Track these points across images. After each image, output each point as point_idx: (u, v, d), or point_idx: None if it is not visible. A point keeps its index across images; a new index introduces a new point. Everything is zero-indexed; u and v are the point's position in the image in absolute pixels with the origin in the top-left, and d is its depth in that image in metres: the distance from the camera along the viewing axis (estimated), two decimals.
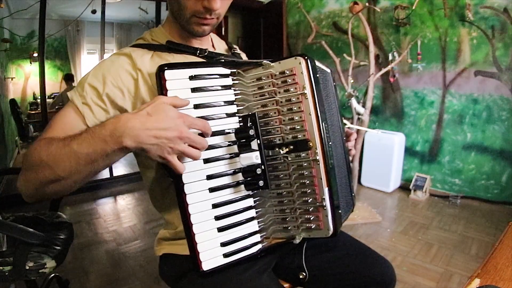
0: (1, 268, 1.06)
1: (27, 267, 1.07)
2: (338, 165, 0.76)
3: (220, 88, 0.69)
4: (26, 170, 0.58)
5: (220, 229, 0.67)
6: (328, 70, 0.85)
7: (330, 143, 0.69)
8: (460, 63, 2.70)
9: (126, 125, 0.52)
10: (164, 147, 0.54)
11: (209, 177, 0.65)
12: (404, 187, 3.07)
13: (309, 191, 0.69)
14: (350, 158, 0.91)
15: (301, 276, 0.80)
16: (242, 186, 0.69)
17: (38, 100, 4.86)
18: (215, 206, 0.66)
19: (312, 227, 0.70)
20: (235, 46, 0.93)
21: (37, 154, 0.56)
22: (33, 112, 5.02)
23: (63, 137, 0.56)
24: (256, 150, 0.68)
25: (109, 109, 0.68)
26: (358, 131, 2.50)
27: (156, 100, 0.56)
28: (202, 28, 0.73)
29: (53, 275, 1.53)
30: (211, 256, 0.66)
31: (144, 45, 0.74)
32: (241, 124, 0.69)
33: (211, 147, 0.65)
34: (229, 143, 0.68)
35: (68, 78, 4.84)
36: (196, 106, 0.65)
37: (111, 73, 0.67)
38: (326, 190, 0.68)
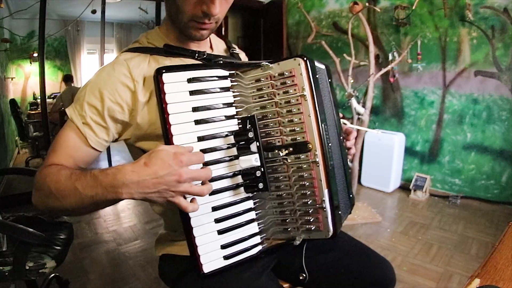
0: (1, 268, 1.06)
1: (27, 267, 1.07)
2: (337, 165, 0.76)
3: (218, 90, 0.68)
4: (38, 193, 0.63)
5: (220, 232, 0.67)
6: (323, 66, 0.82)
7: (329, 144, 0.69)
8: (460, 63, 2.70)
9: (125, 178, 0.54)
10: (164, 193, 0.55)
11: (209, 180, 0.65)
12: (404, 187, 3.07)
13: (309, 192, 0.69)
14: (350, 157, 0.90)
15: (301, 278, 0.80)
16: (242, 188, 0.69)
17: (38, 100, 4.86)
18: (214, 209, 0.66)
19: (312, 228, 0.70)
20: (234, 46, 0.93)
21: (47, 184, 0.60)
22: (33, 112, 5.02)
23: (69, 173, 0.60)
24: (256, 153, 0.67)
25: (110, 126, 0.68)
26: (358, 131, 2.50)
27: (154, 149, 0.57)
28: (200, 32, 0.72)
29: (53, 275, 1.53)
30: (212, 259, 0.66)
31: (140, 49, 0.73)
32: (240, 126, 0.69)
33: (210, 150, 0.65)
34: (228, 145, 0.67)
35: (67, 79, 4.84)
36: (195, 109, 0.64)
37: (108, 88, 0.66)
38: (326, 191, 0.68)
